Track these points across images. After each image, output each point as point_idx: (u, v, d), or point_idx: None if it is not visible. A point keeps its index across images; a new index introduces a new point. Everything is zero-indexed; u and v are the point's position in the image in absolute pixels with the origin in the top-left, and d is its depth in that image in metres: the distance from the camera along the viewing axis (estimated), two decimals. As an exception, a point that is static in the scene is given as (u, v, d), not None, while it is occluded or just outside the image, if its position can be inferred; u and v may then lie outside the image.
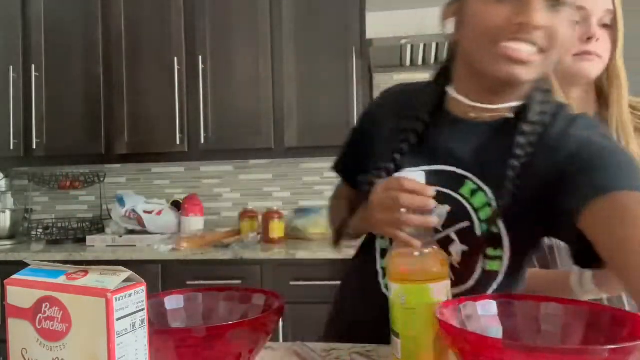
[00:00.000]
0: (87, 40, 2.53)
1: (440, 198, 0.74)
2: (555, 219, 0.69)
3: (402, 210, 0.66)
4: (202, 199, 2.64)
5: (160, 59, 2.48)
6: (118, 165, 2.85)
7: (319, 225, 2.39)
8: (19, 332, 0.53)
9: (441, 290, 0.65)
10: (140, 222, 2.47)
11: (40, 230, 2.65)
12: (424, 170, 0.70)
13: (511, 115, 0.76)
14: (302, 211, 2.53)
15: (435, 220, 0.68)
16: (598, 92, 1.00)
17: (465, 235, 0.76)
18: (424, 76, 2.83)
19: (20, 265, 0.56)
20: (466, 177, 0.77)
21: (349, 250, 1.01)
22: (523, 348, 0.51)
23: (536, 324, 0.64)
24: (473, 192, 0.76)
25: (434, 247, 0.67)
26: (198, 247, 2.28)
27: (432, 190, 0.66)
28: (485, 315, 0.65)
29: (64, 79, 2.55)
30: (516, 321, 0.65)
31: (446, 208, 0.76)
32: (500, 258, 0.75)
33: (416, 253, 0.66)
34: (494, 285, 0.76)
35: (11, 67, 2.54)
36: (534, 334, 0.64)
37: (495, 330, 0.65)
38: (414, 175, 0.68)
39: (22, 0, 2.57)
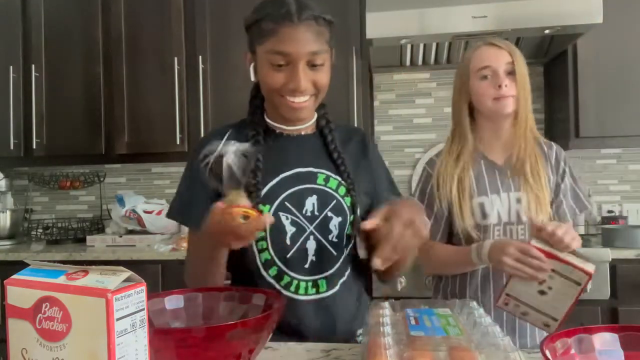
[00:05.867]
0: (87, 40, 2.53)
1: (306, 192, 1.01)
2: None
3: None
4: (202, 199, 2.64)
5: (160, 59, 2.47)
6: (118, 165, 2.85)
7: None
8: (19, 332, 0.53)
9: None
10: (140, 222, 2.47)
11: (40, 230, 2.65)
12: (285, 177, 1.01)
13: (312, 130, 1.09)
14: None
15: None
16: None
17: (337, 210, 1.02)
18: (424, 76, 2.85)
19: (20, 265, 0.56)
20: (315, 172, 1.03)
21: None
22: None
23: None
24: (326, 180, 1.03)
25: None
26: (198, 247, 2.28)
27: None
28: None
29: (64, 79, 2.54)
30: None
31: (313, 198, 1.02)
32: (358, 221, 1.00)
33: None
34: (349, 246, 1.04)
35: (11, 67, 2.53)
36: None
37: None
38: None
39: (22, 0, 2.57)
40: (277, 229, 0.98)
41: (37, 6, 2.55)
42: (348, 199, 1.04)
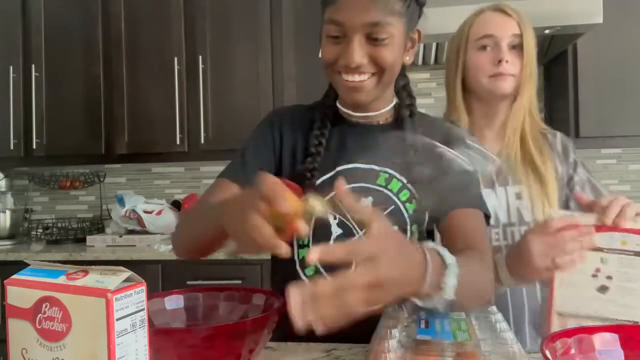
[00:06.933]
0: (87, 40, 2.53)
1: (362, 192, 0.89)
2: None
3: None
4: (202, 199, 2.64)
5: (160, 59, 2.47)
6: (118, 165, 2.85)
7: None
8: (19, 332, 0.53)
9: None
10: (140, 222, 2.47)
11: (40, 230, 2.65)
12: (341, 171, 0.90)
13: (389, 119, 0.96)
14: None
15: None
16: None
17: (394, 217, 0.89)
18: (424, 76, 2.85)
19: (20, 265, 0.56)
20: (377, 170, 0.91)
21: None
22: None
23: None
24: (387, 180, 0.91)
25: None
26: (198, 247, 2.28)
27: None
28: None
29: (64, 79, 2.54)
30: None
31: (368, 200, 0.89)
32: (421, 233, 0.91)
33: None
34: None
35: (11, 67, 2.53)
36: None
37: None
38: None
39: (22, 0, 2.57)
40: (322, 227, 0.89)
41: (37, 6, 2.55)
42: (411, 206, 0.90)
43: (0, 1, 2.57)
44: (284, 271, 0.94)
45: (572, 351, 0.63)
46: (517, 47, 1.09)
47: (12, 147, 2.53)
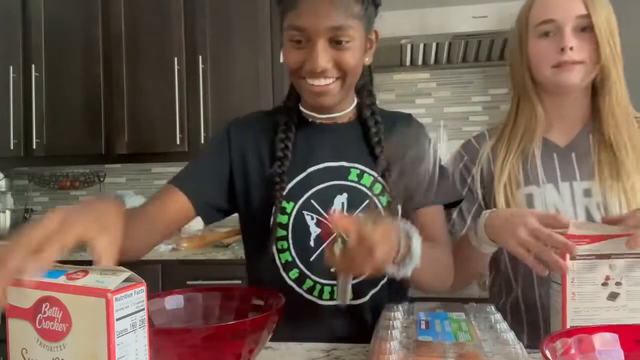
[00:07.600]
0: (87, 40, 2.53)
1: (335, 189, 0.92)
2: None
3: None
4: (202, 199, 2.64)
5: (160, 59, 2.47)
6: (118, 165, 2.85)
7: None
8: (19, 332, 0.53)
9: None
10: (140, 222, 2.47)
11: (40, 230, 2.65)
12: (313, 171, 0.92)
13: (352, 118, 0.98)
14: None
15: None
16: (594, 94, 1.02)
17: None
18: (424, 76, 2.85)
19: (20, 265, 0.56)
20: (347, 166, 0.93)
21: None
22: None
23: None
24: (359, 176, 0.93)
25: None
26: (198, 247, 2.28)
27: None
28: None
29: (64, 79, 2.54)
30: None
31: (343, 197, 0.92)
32: None
33: None
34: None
35: (11, 67, 2.53)
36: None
37: None
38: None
39: (22, 0, 2.57)
40: (301, 229, 0.91)
41: (37, 6, 2.55)
42: (384, 199, 0.92)
43: (0, 1, 2.57)
44: (269, 277, 0.93)
45: (572, 351, 0.63)
46: (587, 30, 0.95)
47: (12, 147, 2.53)
